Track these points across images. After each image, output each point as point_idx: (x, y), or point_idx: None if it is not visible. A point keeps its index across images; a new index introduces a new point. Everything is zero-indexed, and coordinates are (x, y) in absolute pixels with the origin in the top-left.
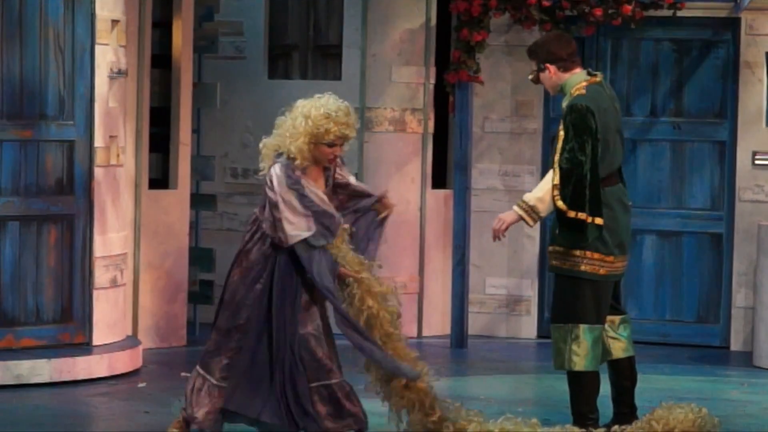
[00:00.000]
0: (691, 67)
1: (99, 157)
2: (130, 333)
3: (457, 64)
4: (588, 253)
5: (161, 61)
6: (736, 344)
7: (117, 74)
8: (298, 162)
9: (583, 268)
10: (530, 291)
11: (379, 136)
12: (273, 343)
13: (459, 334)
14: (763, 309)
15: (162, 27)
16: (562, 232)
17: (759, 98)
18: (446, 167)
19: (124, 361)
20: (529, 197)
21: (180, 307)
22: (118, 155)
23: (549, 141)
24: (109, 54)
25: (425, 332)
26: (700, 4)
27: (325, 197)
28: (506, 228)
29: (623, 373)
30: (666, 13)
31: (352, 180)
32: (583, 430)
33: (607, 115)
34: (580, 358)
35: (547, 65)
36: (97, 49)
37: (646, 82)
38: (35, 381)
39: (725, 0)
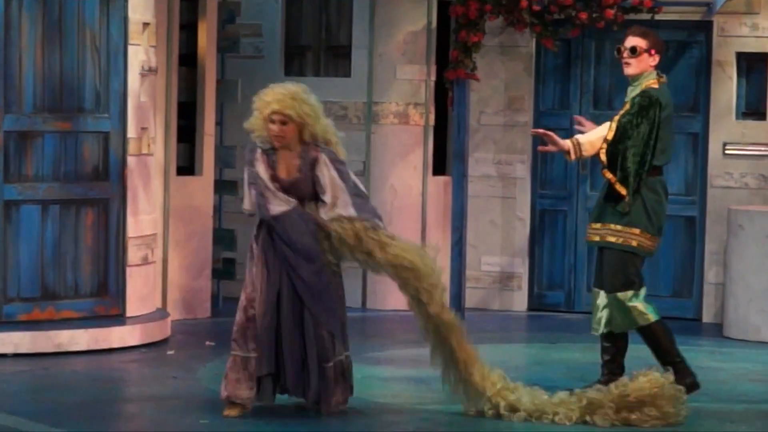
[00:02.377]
0: (668, 66)
1: (131, 147)
2: (159, 306)
3: (456, 62)
4: (639, 231)
5: (188, 59)
6: (707, 317)
7: (148, 72)
8: (258, 139)
9: (635, 243)
10: (521, 268)
11: (385, 128)
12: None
13: (457, 307)
14: (732, 285)
15: (188, 29)
16: (615, 212)
17: (729, 94)
18: (445, 156)
19: (154, 331)
20: (581, 137)
21: (204, 282)
22: (148, 145)
23: None
24: (140, 53)
25: None
26: (676, 9)
27: (270, 181)
28: (551, 141)
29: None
30: (645, 16)
31: (326, 196)
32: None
33: (671, 112)
34: (645, 313)
35: (654, 53)
36: (130, 49)
37: (626, 80)
38: (74, 349)
39: (699, 5)
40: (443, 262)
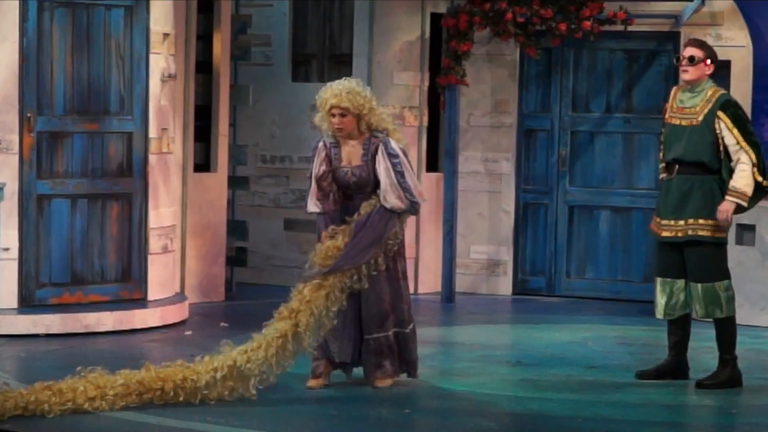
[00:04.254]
0: (639, 72)
1: (153, 146)
2: (178, 290)
3: (447, 69)
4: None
5: (204, 67)
6: None
7: (167, 78)
8: (325, 134)
9: (724, 234)
10: (506, 256)
11: None
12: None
13: (448, 292)
14: None
15: (205, 39)
16: (705, 206)
17: None
18: (437, 154)
19: (173, 314)
20: (739, 186)
21: (219, 269)
22: (168, 144)
23: (522, 133)
24: (161, 61)
25: (420, 290)
26: (646, 21)
27: (323, 174)
28: (730, 217)
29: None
30: (619, 27)
31: (382, 182)
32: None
33: None
34: (732, 305)
35: (710, 62)
36: (151, 57)
37: (602, 85)
38: (100, 330)
39: (667, 17)
40: (436, 251)
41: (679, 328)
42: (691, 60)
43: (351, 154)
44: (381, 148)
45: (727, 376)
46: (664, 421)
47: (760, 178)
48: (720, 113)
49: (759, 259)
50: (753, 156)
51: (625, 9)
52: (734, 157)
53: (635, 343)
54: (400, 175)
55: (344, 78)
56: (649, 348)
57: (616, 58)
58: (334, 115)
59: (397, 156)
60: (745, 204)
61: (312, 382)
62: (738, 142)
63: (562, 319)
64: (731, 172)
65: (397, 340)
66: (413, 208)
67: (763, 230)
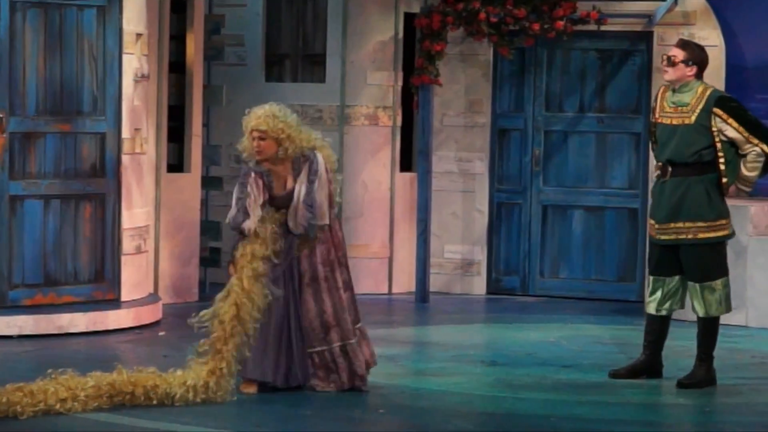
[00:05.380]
0: (613, 72)
1: (126, 146)
2: (152, 291)
3: (421, 69)
4: (726, 221)
5: (177, 67)
6: None
7: (141, 78)
8: (251, 161)
9: (726, 231)
10: (480, 255)
11: (357, 128)
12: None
13: (422, 291)
14: None
15: (178, 39)
16: (702, 208)
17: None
18: (411, 154)
19: (146, 314)
20: (748, 175)
21: (193, 269)
22: (141, 144)
23: (496, 132)
24: (134, 61)
25: (395, 290)
26: (619, 20)
27: (257, 199)
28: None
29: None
30: (592, 27)
31: (294, 198)
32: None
33: None
34: (728, 303)
35: (692, 64)
36: (124, 57)
37: (575, 84)
38: (74, 330)
39: (640, 17)
40: (410, 251)
41: (660, 326)
42: (669, 61)
43: (284, 179)
44: (306, 166)
45: (704, 374)
46: (638, 420)
47: None
48: (716, 110)
49: (732, 259)
50: (766, 147)
51: (599, 9)
52: (746, 150)
53: (609, 342)
54: (311, 192)
55: (270, 103)
56: (623, 347)
57: (590, 57)
58: (254, 138)
59: (316, 173)
60: (748, 190)
61: (247, 388)
62: (747, 138)
63: (536, 319)
64: (731, 164)
65: (344, 352)
66: (312, 231)
67: (736, 229)
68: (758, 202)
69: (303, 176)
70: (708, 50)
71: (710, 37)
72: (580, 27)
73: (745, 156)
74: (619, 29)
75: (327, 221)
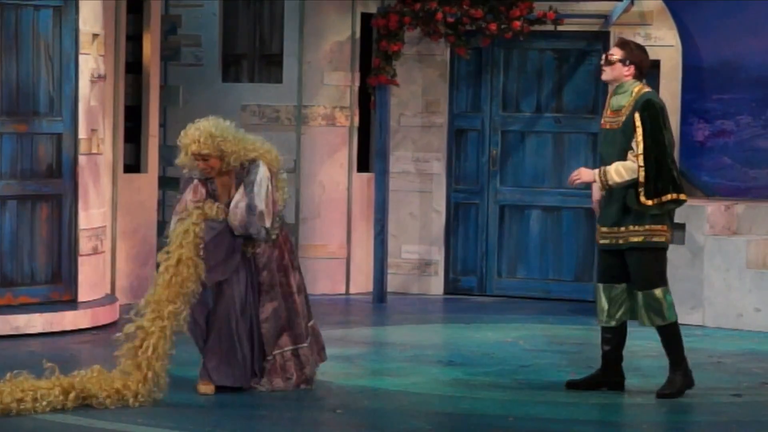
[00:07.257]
0: (569, 72)
1: (82, 147)
2: (108, 291)
3: (378, 69)
4: (662, 227)
5: (134, 67)
6: None
7: (97, 78)
8: (193, 172)
9: (663, 239)
10: (438, 256)
11: (314, 129)
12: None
13: (379, 292)
14: None
15: (134, 39)
16: (640, 215)
17: None
18: (368, 154)
19: (104, 315)
20: (611, 173)
21: (150, 270)
22: (98, 145)
23: (453, 133)
24: (90, 62)
25: (352, 290)
26: (576, 21)
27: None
28: (579, 182)
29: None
30: (549, 27)
31: (234, 199)
32: None
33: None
34: (673, 311)
35: (629, 63)
36: (81, 57)
37: (532, 84)
38: (30, 331)
39: (597, 17)
40: (367, 251)
41: (615, 336)
42: (607, 60)
43: (227, 187)
44: (247, 177)
45: (681, 380)
46: (595, 420)
47: (645, 200)
48: (636, 114)
49: (689, 258)
50: (642, 175)
51: (555, 9)
52: (630, 158)
53: (566, 342)
54: (252, 200)
55: (205, 119)
56: (581, 347)
57: (546, 58)
58: (197, 160)
59: (253, 183)
60: (602, 188)
61: (204, 387)
62: (637, 156)
63: (493, 319)
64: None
65: (296, 355)
66: (260, 234)
67: (693, 229)
68: (714, 202)
69: (242, 187)
70: (665, 50)
71: (666, 38)
72: (536, 27)
73: (626, 159)
74: (575, 29)
75: (267, 225)
